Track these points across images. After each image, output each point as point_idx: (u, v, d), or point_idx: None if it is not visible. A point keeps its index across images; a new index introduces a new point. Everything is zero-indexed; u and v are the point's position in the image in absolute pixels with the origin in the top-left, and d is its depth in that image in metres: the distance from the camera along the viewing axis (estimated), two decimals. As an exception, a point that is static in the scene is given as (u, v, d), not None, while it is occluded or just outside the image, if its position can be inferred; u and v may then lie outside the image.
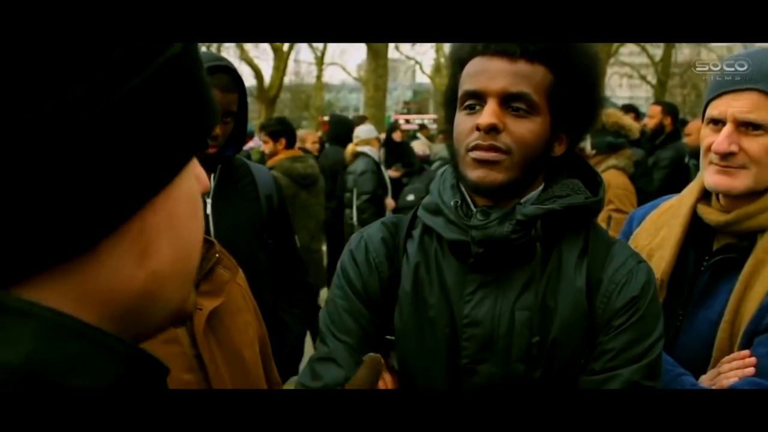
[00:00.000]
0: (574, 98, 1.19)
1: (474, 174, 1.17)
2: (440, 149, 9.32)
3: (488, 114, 1.14)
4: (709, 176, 1.48)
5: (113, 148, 0.45)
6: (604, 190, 1.26)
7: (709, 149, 1.47)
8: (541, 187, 1.24)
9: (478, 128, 1.15)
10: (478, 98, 1.17)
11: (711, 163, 1.46)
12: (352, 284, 1.28)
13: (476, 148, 1.16)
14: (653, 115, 5.61)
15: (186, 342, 1.22)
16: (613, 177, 3.48)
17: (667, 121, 5.48)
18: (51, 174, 0.42)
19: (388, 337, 1.26)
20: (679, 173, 4.93)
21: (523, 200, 1.21)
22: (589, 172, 1.30)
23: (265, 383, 1.39)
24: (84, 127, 0.43)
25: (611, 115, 3.73)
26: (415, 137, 11.99)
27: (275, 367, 1.52)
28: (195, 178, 0.55)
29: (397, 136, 11.52)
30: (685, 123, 5.96)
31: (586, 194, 1.23)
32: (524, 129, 1.15)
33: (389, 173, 8.92)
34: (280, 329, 2.25)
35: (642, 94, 32.40)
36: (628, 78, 31.50)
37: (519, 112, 1.15)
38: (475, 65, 1.18)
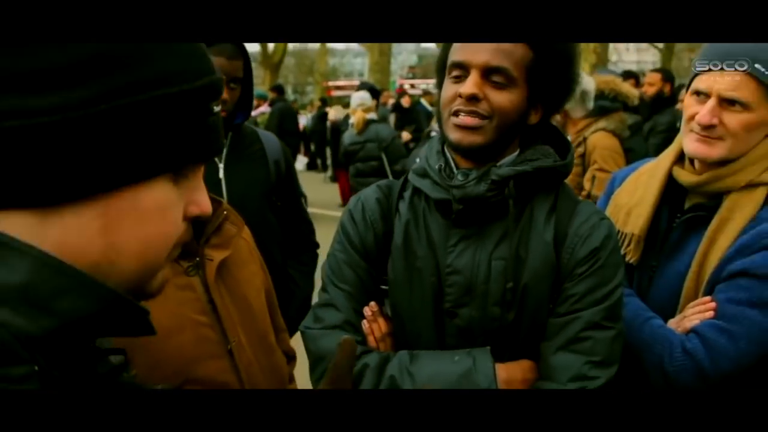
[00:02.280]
0: (551, 75, 1.31)
1: (455, 135, 1.30)
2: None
3: (470, 84, 1.27)
4: (689, 143, 1.60)
5: (92, 143, 0.60)
6: (572, 155, 1.40)
7: (691, 118, 1.59)
8: (516, 152, 1.37)
9: (460, 95, 1.27)
10: (463, 69, 1.30)
11: (692, 131, 1.59)
12: (350, 239, 1.42)
13: (458, 113, 1.29)
14: (653, 83, 5.64)
15: (200, 289, 1.37)
16: (600, 139, 3.60)
17: (666, 87, 5.53)
18: (48, 138, 0.58)
19: (383, 287, 1.41)
20: (675, 137, 4.99)
21: (498, 163, 1.34)
22: (561, 139, 1.43)
23: (272, 328, 1.54)
24: (76, 121, 0.59)
25: (609, 82, 3.83)
26: (419, 103, 12.09)
27: (281, 315, 1.67)
28: (181, 196, 0.69)
29: (405, 102, 11.63)
30: (680, 88, 6.00)
31: (555, 158, 1.36)
32: (503, 99, 1.28)
33: (403, 136, 9.00)
34: (289, 285, 2.39)
35: (649, 58, 32.06)
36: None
37: (498, 84, 1.28)
38: None
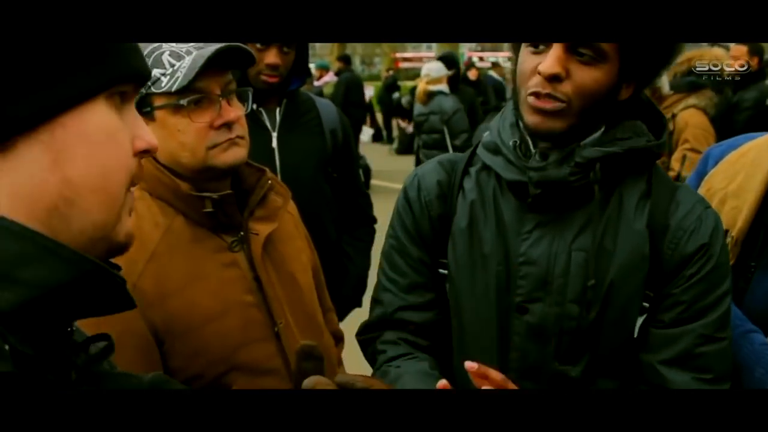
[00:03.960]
0: (648, 46, 1.11)
1: (531, 119, 1.13)
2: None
3: (551, 61, 1.07)
4: None
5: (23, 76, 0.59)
6: (667, 133, 1.21)
7: None
8: (602, 129, 1.19)
9: (539, 73, 1.09)
10: None
11: None
12: (403, 224, 1.30)
13: (535, 94, 1.11)
14: (738, 56, 5.24)
15: (245, 266, 1.27)
16: (691, 116, 3.37)
17: (754, 61, 5.14)
18: None
19: (441, 271, 1.28)
20: (762, 115, 4.65)
21: (582, 142, 1.16)
22: (654, 114, 1.24)
23: (320, 308, 1.45)
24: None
25: (705, 54, 3.55)
26: (486, 75, 11.82)
27: (328, 294, 1.57)
28: (125, 125, 0.67)
29: (472, 75, 11.36)
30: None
31: (649, 137, 1.18)
32: (588, 77, 1.09)
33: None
34: (343, 261, 2.30)
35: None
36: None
37: (585, 58, 1.08)
38: None
